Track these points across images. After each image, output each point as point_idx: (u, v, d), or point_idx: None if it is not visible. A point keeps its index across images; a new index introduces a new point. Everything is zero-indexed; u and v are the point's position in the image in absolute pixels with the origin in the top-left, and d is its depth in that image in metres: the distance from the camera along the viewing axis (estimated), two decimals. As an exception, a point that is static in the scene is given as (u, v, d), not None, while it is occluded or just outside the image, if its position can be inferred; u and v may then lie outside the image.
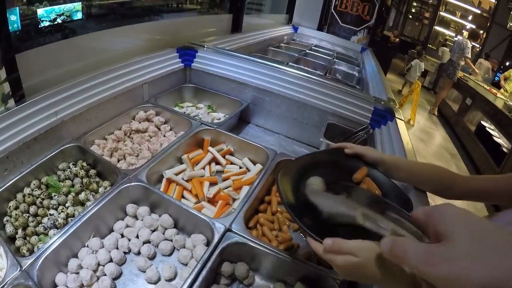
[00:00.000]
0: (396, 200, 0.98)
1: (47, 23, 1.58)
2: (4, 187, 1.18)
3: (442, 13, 11.62)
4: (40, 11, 1.91)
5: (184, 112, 1.86)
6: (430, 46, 11.47)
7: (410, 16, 13.40)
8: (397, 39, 9.73)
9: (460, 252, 0.41)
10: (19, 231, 1.11)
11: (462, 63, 6.60)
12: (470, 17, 11.27)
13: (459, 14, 11.56)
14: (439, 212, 0.48)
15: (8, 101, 1.22)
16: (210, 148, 1.58)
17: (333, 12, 4.73)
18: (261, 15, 3.89)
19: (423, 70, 7.95)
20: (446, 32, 11.91)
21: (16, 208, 1.18)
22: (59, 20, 1.84)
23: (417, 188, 1.13)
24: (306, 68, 2.59)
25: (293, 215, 0.82)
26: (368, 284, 0.82)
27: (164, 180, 1.38)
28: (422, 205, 1.08)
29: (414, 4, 13.30)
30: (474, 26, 10.54)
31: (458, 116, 6.59)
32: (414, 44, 11.59)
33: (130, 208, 1.24)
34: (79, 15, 1.69)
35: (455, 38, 10.19)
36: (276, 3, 4.24)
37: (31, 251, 1.05)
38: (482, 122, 5.55)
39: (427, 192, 1.14)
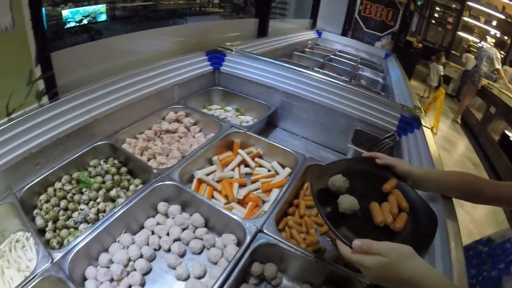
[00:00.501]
0: (422, 214, 0.98)
1: (73, 24, 1.63)
2: (35, 181, 1.22)
3: (465, 18, 11.37)
4: (65, 12, 1.98)
5: (213, 115, 1.90)
6: (454, 52, 11.24)
7: (433, 21, 13.15)
8: (420, 45, 9.58)
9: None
10: (49, 224, 1.15)
11: (488, 72, 6.46)
12: (494, 23, 10.99)
13: (483, 19, 11.29)
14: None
15: (42, 98, 1.28)
16: (239, 151, 1.61)
17: (357, 17, 4.71)
18: (285, 20, 3.92)
19: (441, 73, 7.84)
20: (470, 38, 11.65)
21: (47, 201, 1.22)
22: (85, 21, 1.90)
23: (444, 196, 1.14)
24: (331, 74, 2.59)
25: (326, 219, 0.85)
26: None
27: (195, 181, 1.41)
28: (449, 214, 1.09)
29: (437, 9, 13.02)
30: (498, 32, 10.30)
31: (482, 125, 6.44)
32: (437, 49, 11.39)
33: (161, 206, 1.27)
34: (103, 17, 1.73)
35: (479, 44, 9.97)
36: (300, 7, 4.25)
37: (60, 244, 1.09)
38: (506, 132, 5.41)
39: (453, 199, 1.14)
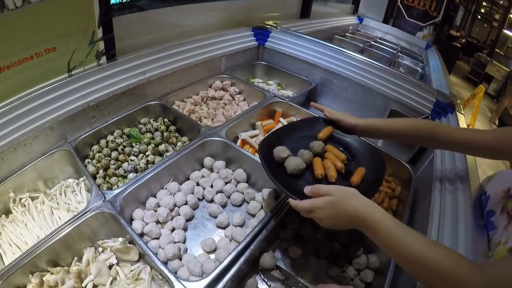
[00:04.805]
0: (372, 161, 1.08)
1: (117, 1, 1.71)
2: (89, 133, 1.35)
3: (512, 16, 10.79)
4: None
5: (257, 85, 1.99)
6: (498, 50, 10.75)
7: (479, 17, 12.56)
8: (464, 40, 9.23)
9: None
10: (100, 171, 1.27)
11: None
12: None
13: (531, 18, 10.68)
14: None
15: (101, 58, 1.40)
16: (281, 119, 1.70)
17: (400, 5, 4.61)
18: (328, 4, 3.91)
19: None
20: (516, 36, 11.07)
21: (99, 152, 1.34)
22: None
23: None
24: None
25: (273, 179, 0.95)
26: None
27: (239, 141, 1.52)
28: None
29: (484, 4, 12.42)
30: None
31: (519, 128, 6.21)
32: (481, 47, 10.92)
33: (207, 160, 1.38)
34: None
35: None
36: (342, -8, 4.22)
37: (110, 189, 1.19)
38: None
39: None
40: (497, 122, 7.10)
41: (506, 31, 10.65)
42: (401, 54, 3.38)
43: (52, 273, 0.92)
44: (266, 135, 1.18)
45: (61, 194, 1.18)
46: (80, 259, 1.00)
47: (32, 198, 1.15)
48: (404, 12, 4.62)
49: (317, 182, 0.98)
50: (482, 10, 12.50)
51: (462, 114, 1.69)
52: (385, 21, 4.57)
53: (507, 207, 0.81)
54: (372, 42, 3.46)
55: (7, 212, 1.11)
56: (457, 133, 1.06)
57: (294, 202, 0.87)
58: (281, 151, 1.03)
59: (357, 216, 0.76)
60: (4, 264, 0.95)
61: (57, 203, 1.14)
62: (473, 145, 1.01)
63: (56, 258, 0.95)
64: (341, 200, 0.79)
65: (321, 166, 1.01)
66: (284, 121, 1.69)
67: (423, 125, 1.12)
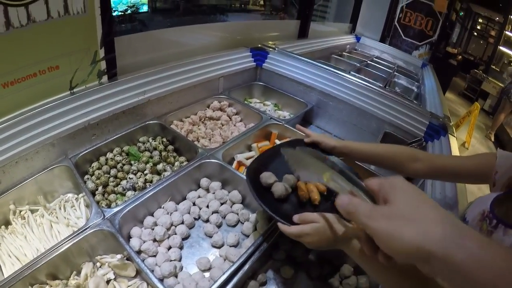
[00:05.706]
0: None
1: (118, 14, 1.75)
2: (89, 150, 1.38)
3: (508, 33, 10.91)
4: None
5: (254, 107, 2.03)
6: (493, 67, 10.84)
7: (475, 34, 12.70)
8: (460, 57, 9.33)
9: (397, 213, 0.49)
10: (100, 188, 1.30)
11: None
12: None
13: (526, 35, 10.79)
14: (389, 182, 0.55)
15: (102, 77, 1.44)
16: (276, 141, 1.74)
17: (397, 24, 4.69)
18: (325, 23, 3.99)
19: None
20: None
21: (99, 168, 1.37)
22: (129, 11, 2.05)
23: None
24: (366, 79, 2.68)
25: (263, 205, 0.97)
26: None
27: (235, 163, 1.56)
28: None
29: (480, 20, 12.56)
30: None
31: (515, 144, 6.26)
32: (478, 63, 11.03)
33: (204, 181, 1.41)
34: (145, 8, 1.84)
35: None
36: (340, 11, 4.30)
37: (108, 206, 1.23)
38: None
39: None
40: (492, 138, 7.13)
41: (501, 48, 10.76)
42: (397, 74, 3.44)
43: (51, 286, 0.95)
44: (252, 159, 1.23)
45: (60, 208, 1.21)
46: (78, 273, 1.02)
47: (32, 211, 1.18)
48: (400, 32, 4.70)
49: (302, 205, 1.06)
50: (478, 27, 12.64)
51: (454, 136, 1.73)
52: (382, 40, 4.65)
53: (483, 228, 0.85)
54: (369, 61, 3.51)
55: (7, 223, 1.14)
56: (439, 160, 1.10)
57: (283, 227, 0.92)
58: (267, 177, 1.08)
59: (339, 241, 0.83)
60: (3, 275, 0.98)
61: (57, 217, 1.17)
62: (457, 172, 1.04)
63: (55, 271, 0.98)
64: (326, 226, 0.84)
65: (305, 189, 1.07)
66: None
67: (402, 151, 1.15)
